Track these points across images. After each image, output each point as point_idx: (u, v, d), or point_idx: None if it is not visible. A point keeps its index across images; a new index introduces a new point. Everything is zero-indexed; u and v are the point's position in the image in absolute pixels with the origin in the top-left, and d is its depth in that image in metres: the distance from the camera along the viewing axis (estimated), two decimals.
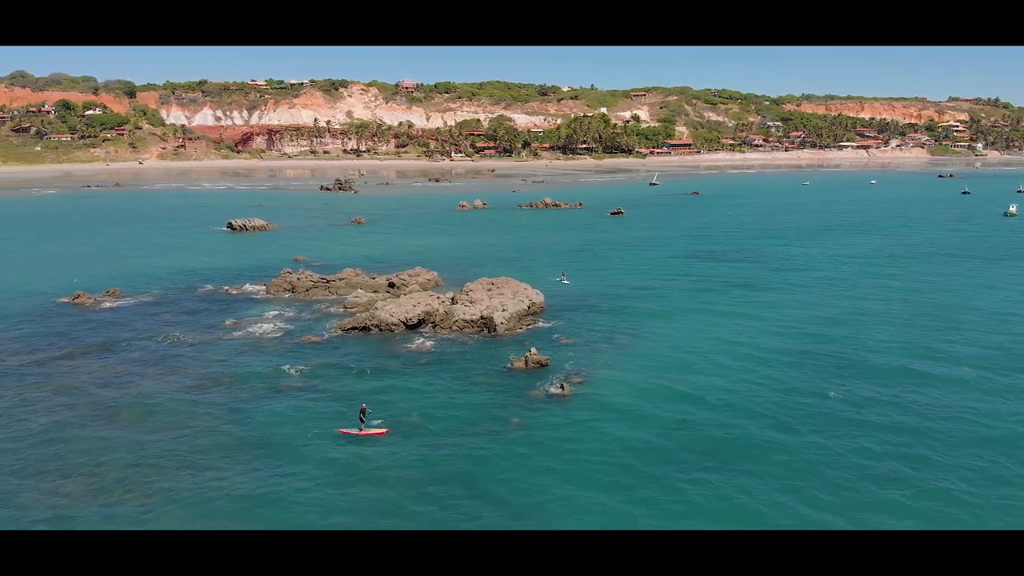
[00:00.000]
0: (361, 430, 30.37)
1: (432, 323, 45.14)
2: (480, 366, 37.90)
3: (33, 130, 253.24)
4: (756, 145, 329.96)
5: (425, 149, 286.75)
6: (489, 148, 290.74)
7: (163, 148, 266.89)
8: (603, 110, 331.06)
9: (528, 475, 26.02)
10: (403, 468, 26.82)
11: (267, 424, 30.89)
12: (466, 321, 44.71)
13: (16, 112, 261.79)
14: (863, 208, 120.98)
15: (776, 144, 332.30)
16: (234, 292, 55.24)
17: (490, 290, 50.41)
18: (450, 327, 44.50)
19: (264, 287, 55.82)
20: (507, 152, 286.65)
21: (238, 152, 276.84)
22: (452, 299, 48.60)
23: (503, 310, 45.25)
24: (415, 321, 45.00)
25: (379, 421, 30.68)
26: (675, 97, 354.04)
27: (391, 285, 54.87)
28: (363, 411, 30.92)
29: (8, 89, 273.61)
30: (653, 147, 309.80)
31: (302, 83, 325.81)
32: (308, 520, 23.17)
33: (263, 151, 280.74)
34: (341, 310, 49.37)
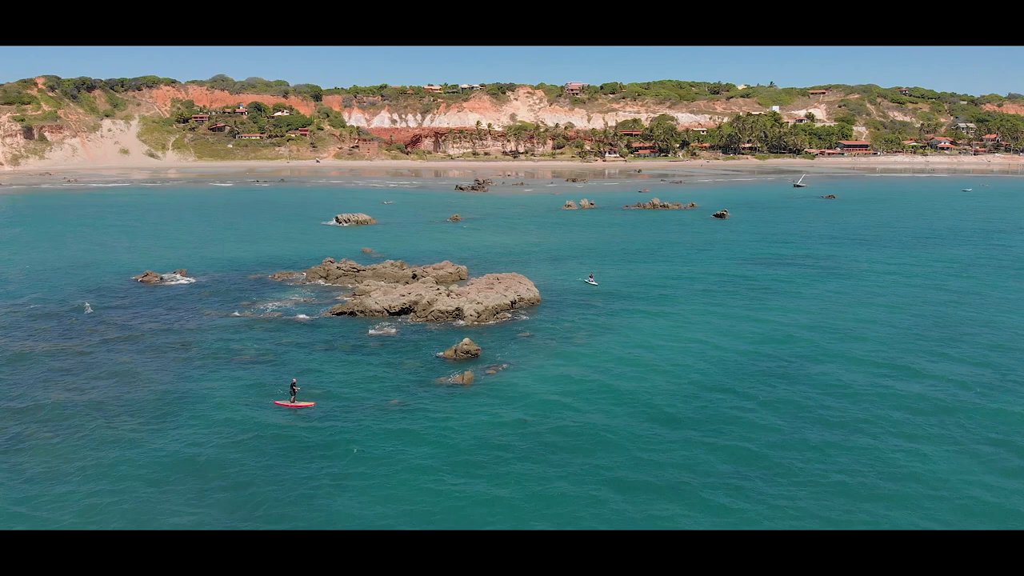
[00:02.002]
0: (292, 402, 33.77)
1: (414, 312, 47.99)
2: (419, 353, 40.24)
3: (227, 129, 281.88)
4: (941, 148, 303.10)
5: (580, 150, 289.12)
6: (645, 148, 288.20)
7: (339, 148, 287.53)
8: (775, 108, 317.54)
9: (366, 457, 27.91)
10: (267, 435, 29.94)
11: (199, 383, 35.09)
12: (441, 311, 47.14)
13: (214, 113, 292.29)
14: (1000, 216, 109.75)
15: (964, 147, 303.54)
16: (278, 277, 60.81)
17: (491, 285, 52.50)
18: (426, 316, 47.14)
19: (304, 274, 61.07)
20: (663, 152, 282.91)
21: (407, 153, 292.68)
22: (449, 292, 51.16)
23: (478, 303, 47.26)
24: (398, 309, 48.05)
25: (288, 398, 33.94)
26: (857, 95, 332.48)
27: (413, 276, 58.24)
28: (293, 385, 34.28)
29: (209, 92, 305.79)
30: (825, 148, 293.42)
31: (472, 87, 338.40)
32: (178, 456, 26.82)
33: (429, 152, 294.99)
34: (350, 297, 53.34)
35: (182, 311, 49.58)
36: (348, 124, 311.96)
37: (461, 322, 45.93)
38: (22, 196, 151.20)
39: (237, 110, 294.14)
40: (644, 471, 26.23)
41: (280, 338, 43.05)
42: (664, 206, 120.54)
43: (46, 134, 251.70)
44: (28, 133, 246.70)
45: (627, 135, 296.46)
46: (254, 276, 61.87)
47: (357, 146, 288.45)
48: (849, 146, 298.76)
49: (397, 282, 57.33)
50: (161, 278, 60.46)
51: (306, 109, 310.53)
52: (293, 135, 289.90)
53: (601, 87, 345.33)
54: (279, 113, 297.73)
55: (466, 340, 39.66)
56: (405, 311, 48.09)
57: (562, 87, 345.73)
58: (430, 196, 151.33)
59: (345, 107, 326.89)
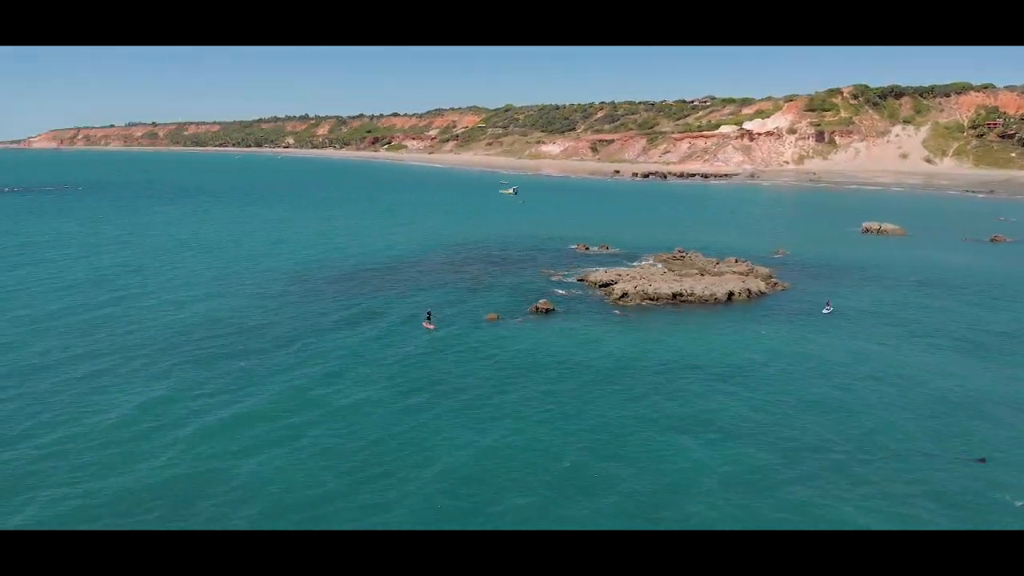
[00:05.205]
0: (428, 324, 54.18)
1: (610, 286, 61.76)
2: (528, 305, 55.97)
3: (1016, 136, 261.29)
4: None
5: None
6: None
7: None
8: None
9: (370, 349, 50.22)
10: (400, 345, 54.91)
11: (424, 295, 61.26)
12: (609, 289, 60.17)
13: (1012, 119, 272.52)
14: None
15: None
16: (638, 256, 77.95)
17: (701, 280, 60.99)
18: (606, 292, 60.67)
19: (653, 256, 76.81)
20: None
21: None
22: (647, 279, 61.97)
23: (634, 289, 58.41)
24: (604, 282, 62.54)
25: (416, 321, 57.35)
26: None
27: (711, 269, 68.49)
28: (429, 314, 55.65)
29: (1020, 96, 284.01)
30: None
31: None
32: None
33: None
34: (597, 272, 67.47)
35: (535, 263, 74.33)
36: None
37: (611, 298, 58.44)
38: (750, 189, 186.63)
39: None
40: (494, 410, 38.66)
41: (513, 288, 63.64)
42: None
43: (835, 138, 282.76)
44: (819, 137, 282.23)
45: None
46: (632, 253, 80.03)
47: None
48: None
49: (700, 270, 68.24)
50: (587, 248, 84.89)
51: None
52: None
53: None
54: None
55: (543, 300, 54.48)
56: (608, 284, 62.11)
57: None
58: None
59: None
